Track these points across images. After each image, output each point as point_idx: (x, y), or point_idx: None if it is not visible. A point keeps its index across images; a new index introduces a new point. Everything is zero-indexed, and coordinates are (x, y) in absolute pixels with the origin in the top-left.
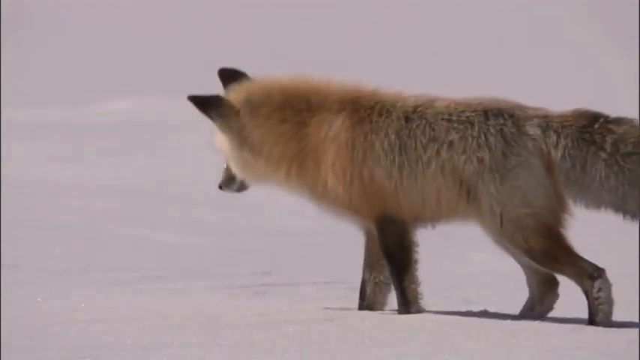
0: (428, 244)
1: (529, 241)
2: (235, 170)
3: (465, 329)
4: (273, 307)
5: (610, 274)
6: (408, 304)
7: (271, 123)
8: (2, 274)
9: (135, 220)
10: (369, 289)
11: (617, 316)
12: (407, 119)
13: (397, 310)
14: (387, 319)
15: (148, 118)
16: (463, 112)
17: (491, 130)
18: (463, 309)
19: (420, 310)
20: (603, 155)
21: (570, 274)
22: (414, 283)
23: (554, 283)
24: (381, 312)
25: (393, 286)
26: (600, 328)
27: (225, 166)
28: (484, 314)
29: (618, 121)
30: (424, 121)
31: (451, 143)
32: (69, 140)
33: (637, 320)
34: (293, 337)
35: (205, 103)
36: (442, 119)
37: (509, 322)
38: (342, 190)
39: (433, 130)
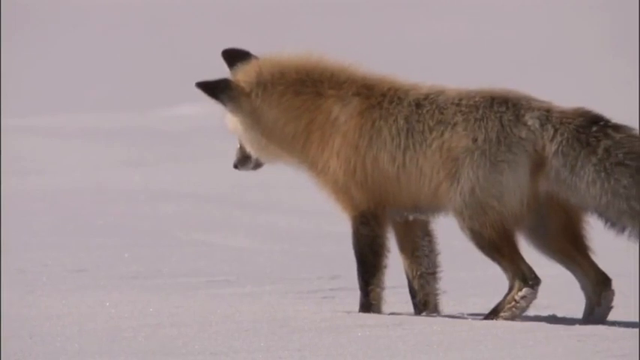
0: None
1: (483, 227)
2: (250, 150)
3: (534, 334)
4: (341, 311)
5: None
6: (370, 306)
7: (285, 99)
8: (71, 278)
9: (204, 225)
10: (416, 285)
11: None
12: (418, 105)
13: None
14: (456, 323)
15: (216, 123)
16: (473, 97)
17: (492, 115)
18: (531, 314)
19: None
20: (594, 159)
21: (506, 269)
22: (379, 287)
23: (608, 281)
24: (449, 317)
25: (438, 277)
26: None
27: (238, 145)
28: (552, 319)
29: (617, 127)
30: (434, 106)
31: (455, 124)
32: (137, 145)
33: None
34: (361, 342)
35: (214, 88)
36: (452, 104)
37: (577, 327)
38: (342, 176)
39: (442, 113)
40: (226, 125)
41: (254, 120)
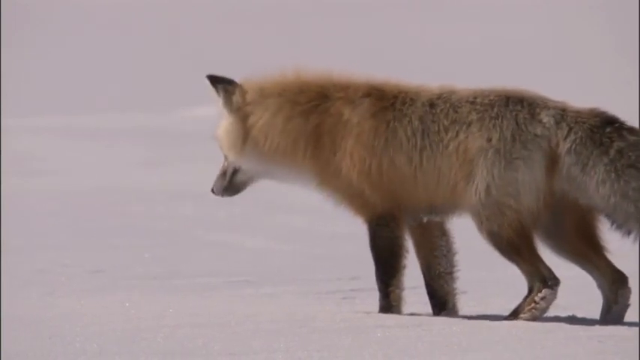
0: None
1: (501, 228)
2: (228, 149)
3: (554, 335)
4: (361, 312)
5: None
6: (390, 308)
7: (287, 97)
8: (89, 279)
9: (223, 225)
10: (435, 286)
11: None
12: (432, 105)
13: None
14: (475, 324)
15: None
16: (488, 96)
17: (508, 114)
18: (551, 315)
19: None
20: (605, 160)
21: (525, 270)
22: (399, 288)
23: (624, 279)
24: (469, 318)
25: (455, 277)
26: None
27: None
28: (572, 320)
29: (632, 130)
30: (448, 105)
31: (470, 123)
32: (155, 146)
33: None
34: (381, 342)
35: (217, 78)
36: (466, 102)
37: (597, 327)
38: (356, 178)
39: (456, 112)
40: (215, 135)
41: (243, 114)
